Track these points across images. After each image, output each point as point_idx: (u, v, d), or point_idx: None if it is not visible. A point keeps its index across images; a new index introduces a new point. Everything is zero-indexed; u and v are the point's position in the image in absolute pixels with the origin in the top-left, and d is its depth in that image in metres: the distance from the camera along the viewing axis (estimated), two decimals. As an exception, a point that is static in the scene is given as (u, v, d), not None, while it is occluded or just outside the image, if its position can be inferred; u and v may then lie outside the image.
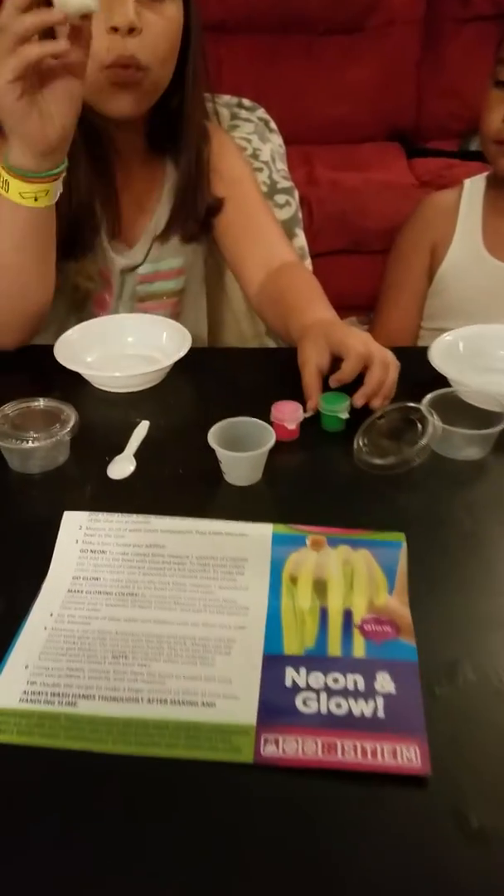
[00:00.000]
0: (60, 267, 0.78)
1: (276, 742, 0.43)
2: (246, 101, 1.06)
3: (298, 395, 0.68)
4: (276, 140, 1.06)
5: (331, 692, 0.46)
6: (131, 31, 0.71)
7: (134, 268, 0.90)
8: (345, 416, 0.67)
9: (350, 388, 0.67)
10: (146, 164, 0.88)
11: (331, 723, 0.44)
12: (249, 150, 1.01)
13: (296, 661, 0.48)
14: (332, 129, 2.14)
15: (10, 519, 0.61)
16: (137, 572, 0.55)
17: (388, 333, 1.06)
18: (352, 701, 0.45)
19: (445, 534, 0.58)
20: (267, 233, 0.89)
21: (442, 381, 0.71)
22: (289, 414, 0.67)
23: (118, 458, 0.66)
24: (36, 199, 0.68)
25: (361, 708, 0.44)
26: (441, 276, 1.06)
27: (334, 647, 0.48)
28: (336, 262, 1.76)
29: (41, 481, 0.64)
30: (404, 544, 0.56)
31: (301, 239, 1.02)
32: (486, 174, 1.06)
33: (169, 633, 0.50)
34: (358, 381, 0.67)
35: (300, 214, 1.03)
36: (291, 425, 0.67)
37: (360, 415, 0.67)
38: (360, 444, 0.65)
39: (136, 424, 0.70)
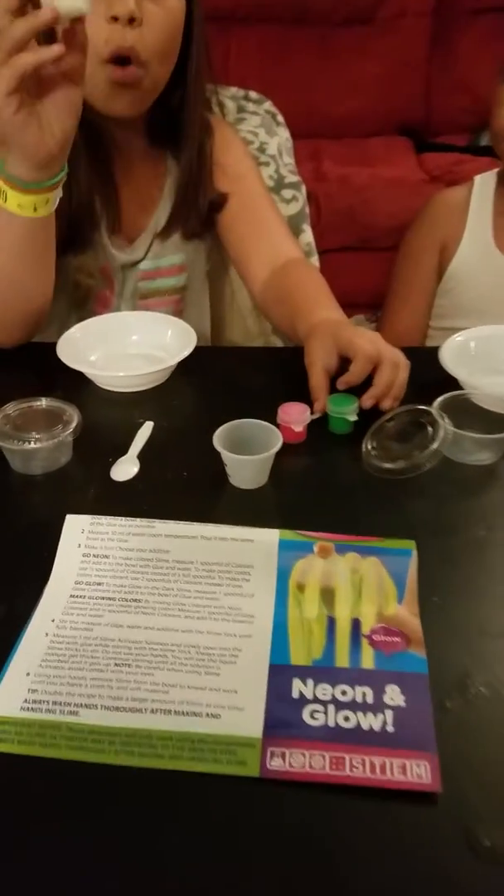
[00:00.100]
0: (60, 263, 0.77)
1: (283, 755, 0.42)
2: (253, 94, 1.04)
3: (305, 397, 0.67)
4: (284, 134, 1.04)
5: (339, 705, 0.44)
6: (131, 21, 0.69)
7: (134, 264, 0.88)
8: (353, 418, 0.66)
9: (358, 389, 0.66)
10: (147, 159, 0.87)
11: (339, 736, 0.43)
12: (256, 143, 1.00)
13: (303, 672, 0.47)
14: (340, 124, 2.12)
15: (12, 521, 0.60)
16: (141, 578, 0.54)
17: (396, 332, 1.05)
18: (360, 714, 0.44)
19: (456, 541, 0.57)
20: (272, 229, 0.88)
21: (452, 382, 0.69)
22: (295, 416, 0.65)
23: (121, 460, 0.65)
24: (35, 210, 0.67)
25: (370, 721, 0.43)
26: (451, 274, 1.04)
27: (342, 658, 0.47)
28: (343, 258, 1.75)
29: (43, 483, 0.63)
30: (414, 552, 0.54)
31: (308, 235, 1.01)
32: (496, 170, 1.04)
33: (173, 641, 0.49)
34: (366, 382, 0.66)
35: (307, 210, 1.02)
36: (298, 427, 0.66)
37: (368, 417, 0.65)
38: (369, 447, 0.63)
39: (139, 425, 0.69)
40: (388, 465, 0.62)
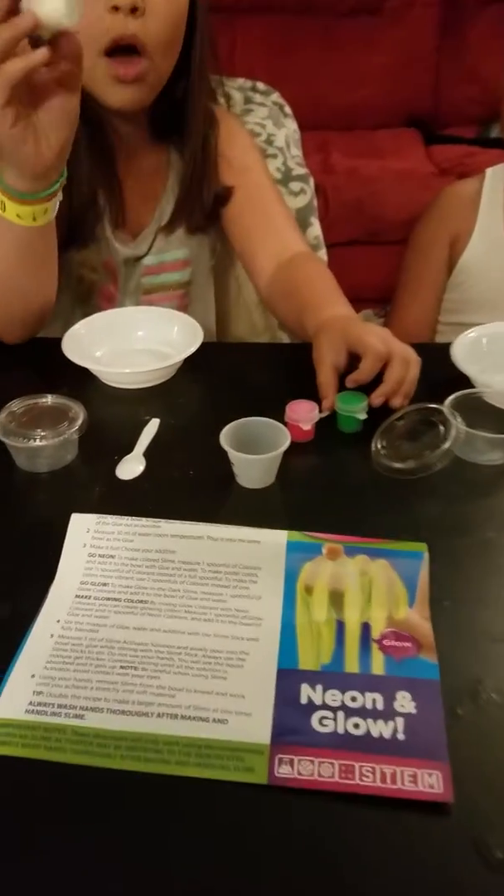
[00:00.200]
0: (64, 258, 0.76)
1: (291, 763, 0.41)
2: (260, 85, 1.02)
3: (313, 394, 0.66)
4: (292, 125, 1.03)
5: (348, 711, 0.44)
6: (134, 10, 0.68)
7: (138, 259, 0.87)
8: (362, 416, 0.65)
9: (368, 387, 0.65)
10: (150, 151, 0.85)
11: (348, 744, 0.42)
12: (264, 135, 0.98)
13: (311, 677, 0.46)
14: (347, 115, 2.09)
15: (17, 519, 0.60)
16: (147, 578, 0.53)
17: (405, 327, 1.04)
18: (370, 721, 0.43)
19: (468, 543, 0.56)
20: (278, 223, 0.87)
21: (464, 380, 0.68)
22: (304, 414, 0.64)
23: (127, 458, 0.64)
24: (34, 219, 0.66)
25: (380, 729, 0.43)
26: (461, 268, 1.03)
27: (351, 663, 0.47)
28: (352, 252, 1.73)
29: (49, 480, 0.63)
30: (426, 555, 0.53)
31: (316, 228, 1.00)
32: (508, 163, 1.03)
33: (179, 644, 0.48)
34: (376, 380, 0.65)
35: (315, 203, 1.01)
36: (306, 426, 0.65)
37: (378, 415, 0.64)
38: (379, 446, 0.62)
39: (145, 422, 0.68)
40: (398, 465, 0.61)
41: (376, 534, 0.55)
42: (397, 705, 0.44)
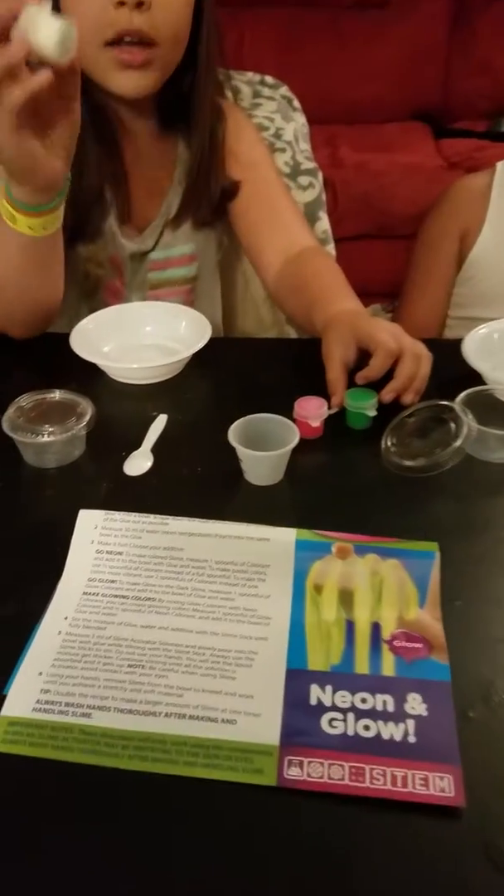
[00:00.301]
0: (70, 253, 0.76)
1: (301, 764, 0.41)
2: (269, 79, 1.01)
3: (323, 391, 0.65)
4: (300, 119, 1.02)
5: (358, 713, 0.43)
6: (139, 5, 0.67)
7: (144, 254, 0.87)
8: (372, 413, 0.64)
9: (377, 384, 0.64)
10: (157, 145, 0.84)
11: (358, 746, 0.41)
12: (272, 129, 0.97)
13: (321, 678, 0.45)
14: (356, 109, 2.08)
15: (25, 515, 0.59)
16: (155, 576, 0.53)
17: (414, 322, 1.03)
18: (381, 723, 0.42)
19: (480, 542, 0.55)
20: (286, 218, 0.86)
21: (475, 377, 0.67)
22: (313, 410, 0.64)
23: (135, 454, 0.64)
24: (45, 228, 0.66)
25: (391, 731, 0.42)
26: (470, 262, 1.02)
27: (361, 664, 0.46)
28: (360, 246, 1.72)
29: (56, 476, 0.62)
30: (437, 554, 0.53)
31: (325, 222, 0.99)
32: (520, 157, 1.01)
33: (187, 643, 0.48)
34: (386, 376, 0.64)
35: (324, 197, 1.00)
36: (315, 422, 0.64)
37: (388, 412, 0.64)
38: (389, 444, 0.62)
39: (152, 418, 0.67)
40: (408, 463, 0.60)
41: (386, 532, 0.55)
42: (408, 707, 0.43)
